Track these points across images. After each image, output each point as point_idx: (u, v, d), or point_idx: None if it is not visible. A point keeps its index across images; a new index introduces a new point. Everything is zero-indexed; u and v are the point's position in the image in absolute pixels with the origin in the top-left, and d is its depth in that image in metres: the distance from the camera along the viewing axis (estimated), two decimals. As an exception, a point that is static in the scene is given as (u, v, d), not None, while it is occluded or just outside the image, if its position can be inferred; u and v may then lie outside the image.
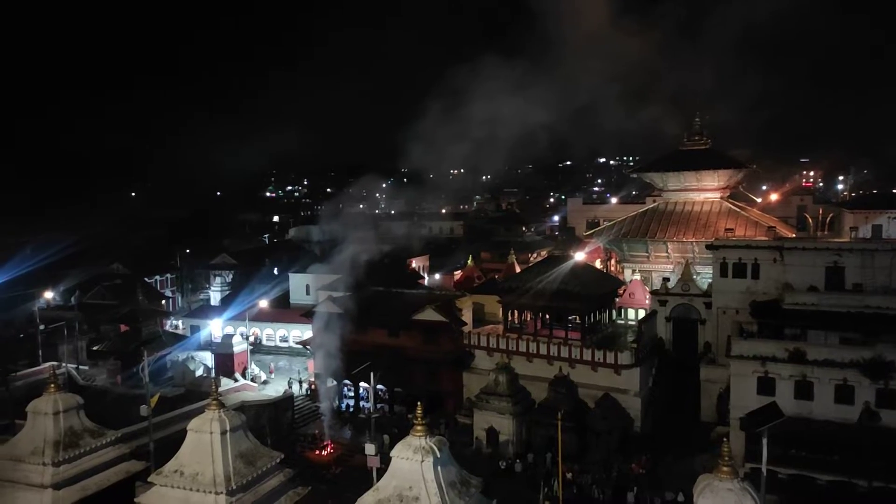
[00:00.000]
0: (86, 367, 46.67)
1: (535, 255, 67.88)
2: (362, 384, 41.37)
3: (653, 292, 43.39)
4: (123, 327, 49.34)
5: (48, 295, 56.76)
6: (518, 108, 44.16)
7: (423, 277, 63.12)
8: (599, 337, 39.84)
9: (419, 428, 10.96)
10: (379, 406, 39.91)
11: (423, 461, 10.61)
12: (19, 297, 53.62)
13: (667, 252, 49.76)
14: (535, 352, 38.79)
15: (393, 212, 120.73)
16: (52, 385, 14.18)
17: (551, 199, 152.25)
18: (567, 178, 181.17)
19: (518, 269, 51.07)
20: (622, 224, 52.86)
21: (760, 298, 35.31)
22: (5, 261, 61.33)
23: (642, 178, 59.69)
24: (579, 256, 47.92)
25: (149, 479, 12.63)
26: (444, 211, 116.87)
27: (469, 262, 63.81)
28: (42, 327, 47.15)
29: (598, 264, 54.48)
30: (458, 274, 63.49)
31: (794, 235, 45.14)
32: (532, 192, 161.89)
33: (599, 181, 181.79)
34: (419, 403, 11.88)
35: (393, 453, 11.04)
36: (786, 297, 33.20)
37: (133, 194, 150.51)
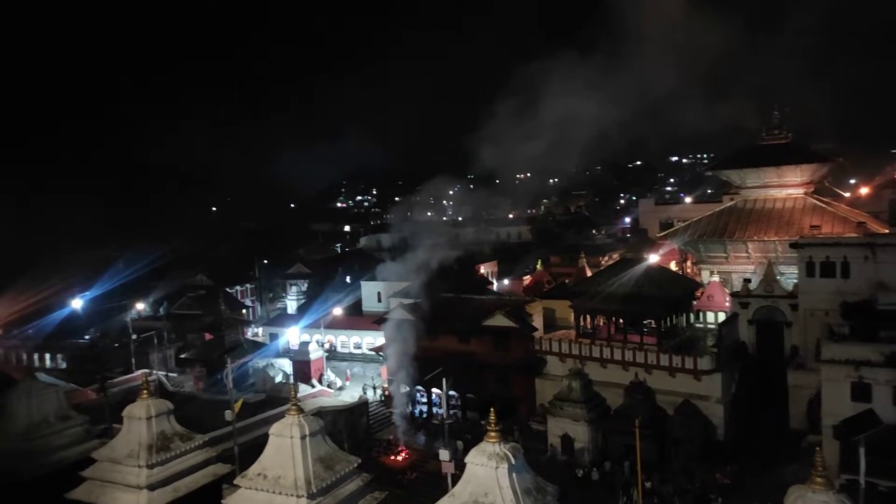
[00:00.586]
0: (174, 374, 49.23)
1: (606, 258, 66.49)
2: (434, 390, 41.65)
3: (733, 294, 41.56)
4: (208, 336, 51.77)
5: (139, 306, 60.27)
6: (589, 106, 43.39)
7: (491, 283, 63.03)
8: (677, 341, 38.51)
9: (493, 434, 10.94)
10: (452, 412, 40.06)
11: (497, 467, 10.58)
12: (114, 308, 57.26)
13: (747, 252, 47.57)
14: (609, 357, 37.94)
15: (461, 218, 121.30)
16: (145, 391, 15.03)
17: (622, 201, 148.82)
18: (638, 179, 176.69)
19: (589, 273, 50.16)
20: (698, 224, 50.94)
21: (851, 299, 33.11)
22: (100, 274, 65.68)
23: (718, 175, 57.39)
24: (653, 258, 46.56)
25: (234, 482, 13.17)
26: (511, 216, 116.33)
27: (538, 266, 63.21)
28: (134, 337, 50.13)
29: (673, 266, 52.75)
30: (527, 279, 62.99)
31: (886, 231, 42.20)
32: (602, 194, 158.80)
33: (672, 180, 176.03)
34: (492, 409, 11.86)
35: (467, 459, 11.06)
36: (880, 297, 31.09)
37: (214, 209, 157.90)
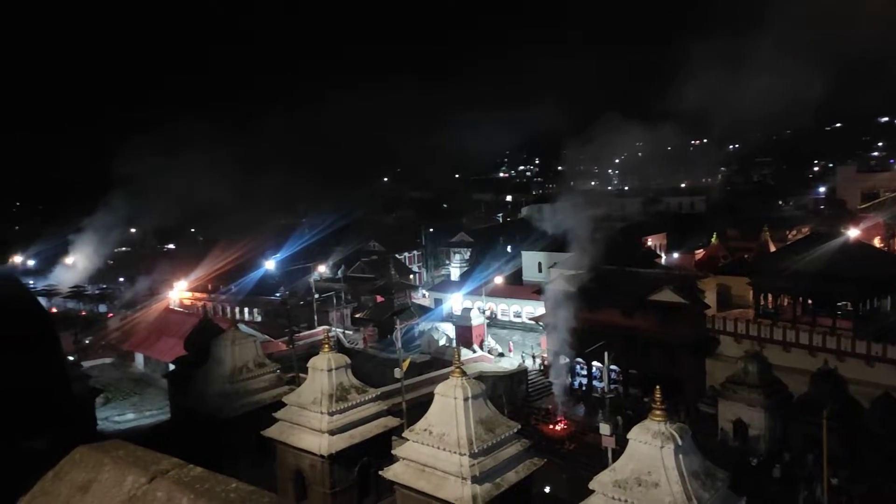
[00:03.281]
0: (350, 332, 53.44)
1: (794, 232, 60.08)
2: (595, 363, 40.94)
3: (955, 276, 35.66)
4: (379, 298, 55.34)
5: (321, 268, 65.91)
6: (784, 60, 38.84)
7: (659, 256, 59.90)
8: (878, 327, 34.00)
9: (658, 413, 10.56)
10: (612, 386, 39.18)
11: (662, 447, 10.21)
12: (300, 269, 63.23)
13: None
14: (793, 341, 34.57)
15: (627, 188, 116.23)
16: (327, 346, 16.49)
17: (815, 169, 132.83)
18: (836, 144, 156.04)
19: (773, 248, 45.73)
20: (912, 194, 44.16)
21: None
22: (287, 237, 72.65)
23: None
24: (852, 233, 41.25)
25: (403, 435, 14.09)
26: (683, 185, 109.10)
27: (713, 240, 58.82)
28: (316, 296, 55.06)
29: (876, 243, 46.34)
30: (699, 253, 58.99)
31: None
32: (790, 161, 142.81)
33: (880, 144, 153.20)
34: (657, 387, 11.41)
35: (630, 436, 10.80)
36: None
37: (385, 179, 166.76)
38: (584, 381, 43.27)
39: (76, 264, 72.61)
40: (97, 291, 70.42)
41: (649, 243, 63.32)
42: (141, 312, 57.81)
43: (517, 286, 59.34)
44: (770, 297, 37.74)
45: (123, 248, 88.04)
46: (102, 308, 66.52)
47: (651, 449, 10.32)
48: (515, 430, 13.45)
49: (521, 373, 42.30)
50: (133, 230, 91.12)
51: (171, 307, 59.86)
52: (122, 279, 73.42)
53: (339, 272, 66.84)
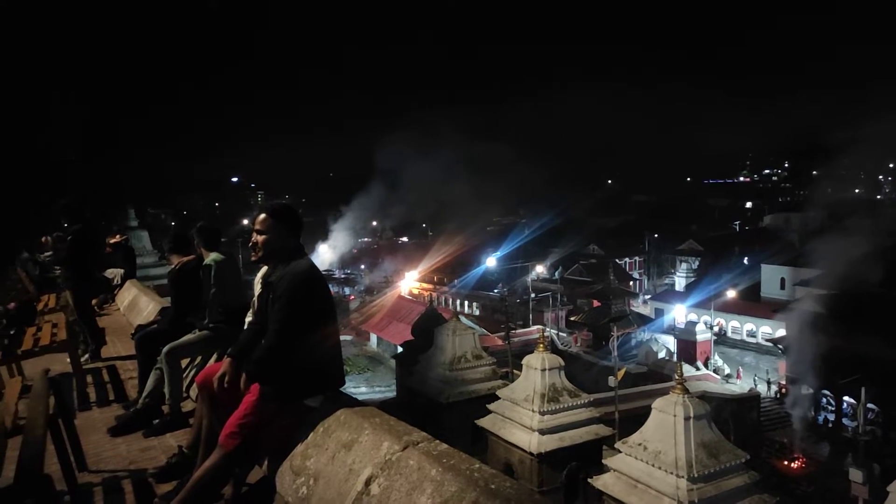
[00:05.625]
0: (563, 334, 53.18)
1: None
2: (846, 398, 35.42)
3: None
4: (596, 303, 54.19)
5: (539, 268, 66.59)
6: None
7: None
8: None
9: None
10: (868, 427, 33.47)
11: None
12: (518, 268, 64.58)
13: None
14: None
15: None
16: (541, 345, 16.63)
17: None
18: None
19: None
20: None
21: None
22: (507, 235, 74.63)
23: None
24: None
25: (615, 446, 13.65)
26: None
27: None
28: (533, 295, 55.75)
29: None
30: None
31: None
32: None
33: None
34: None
35: (892, 488, 9.17)
36: None
37: (609, 181, 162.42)
38: (831, 416, 37.61)
39: (333, 248, 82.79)
40: (343, 276, 79.51)
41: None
42: (377, 298, 64.04)
43: (753, 302, 53.78)
44: None
45: (366, 239, 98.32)
46: (346, 291, 74.93)
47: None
48: (743, 460, 12.25)
49: (753, 398, 38.22)
50: (374, 223, 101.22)
51: (401, 295, 65.23)
52: (363, 266, 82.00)
53: (556, 273, 66.81)
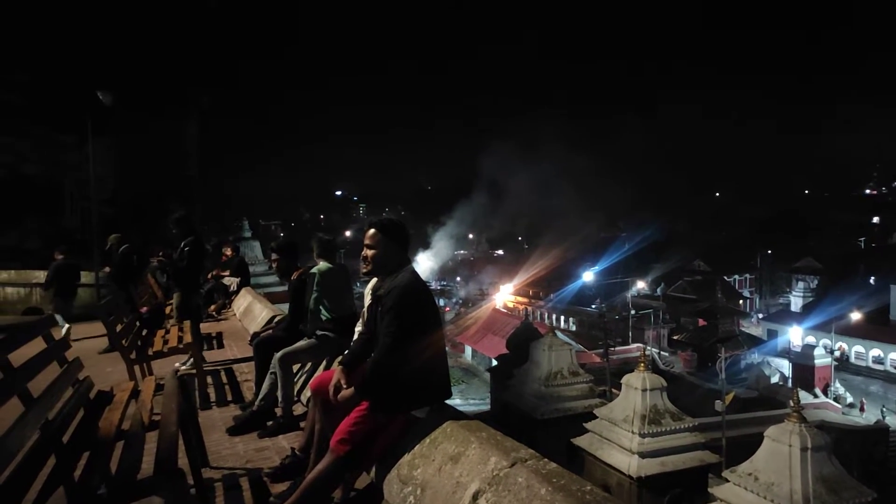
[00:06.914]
0: (665, 353, 50.99)
1: None
2: None
3: None
4: (701, 322, 51.62)
5: (640, 284, 64.42)
6: None
7: None
8: None
9: None
10: None
11: None
12: (617, 283, 62.75)
13: None
14: None
15: None
16: (642, 364, 16.01)
17: None
18: None
19: None
20: None
21: None
22: (605, 249, 72.74)
23: None
24: None
25: (722, 474, 12.90)
26: None
27: None
28: (633, 312, 53.92)
29: None
30: None
31: None
32: None
33: None
34: None
35: None
36: None
37: (717, 194, 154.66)
38: (977, 457, 33.61)
39: (433, 257, 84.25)
40: (439, 287, 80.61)
41: None
42: (472, 310, 64.33)
43: (881, 326, 49.24)
44: None
45: (462, 251, 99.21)
46: (441, 302, 75.87)
47: None
48: (870, 499, 11.19)
49: (880, 431, 34.81)
50: (470, 235, 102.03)
51: (496, 308, 65.19)
52: (458, 278, 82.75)
53: (659, 290, 64.31)
